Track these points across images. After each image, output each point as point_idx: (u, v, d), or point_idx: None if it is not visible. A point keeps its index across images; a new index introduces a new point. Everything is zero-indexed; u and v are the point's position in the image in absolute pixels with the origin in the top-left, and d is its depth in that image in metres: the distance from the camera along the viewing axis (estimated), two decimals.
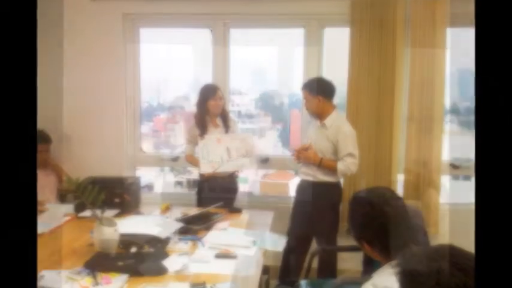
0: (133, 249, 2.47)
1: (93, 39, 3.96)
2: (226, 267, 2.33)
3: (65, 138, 4.04)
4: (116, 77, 4.07)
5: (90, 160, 4.04)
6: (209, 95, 3.62)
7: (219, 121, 3.69)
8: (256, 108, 5.13)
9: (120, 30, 4.03)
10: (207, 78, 4.09)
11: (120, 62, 4.07)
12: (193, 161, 3.69)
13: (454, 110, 4.65)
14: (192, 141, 3.67)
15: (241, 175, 3.99)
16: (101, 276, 2.10)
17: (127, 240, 2.51)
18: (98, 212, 2.42)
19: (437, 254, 0.97)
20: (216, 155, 3.49)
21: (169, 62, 4.60)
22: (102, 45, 4.01)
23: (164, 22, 4.15)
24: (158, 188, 6.34)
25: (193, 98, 5.71)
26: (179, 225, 2.81)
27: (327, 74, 4.15)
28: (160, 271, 2.22)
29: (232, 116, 3.83)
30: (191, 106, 5.40)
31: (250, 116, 5.21)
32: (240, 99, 4.97)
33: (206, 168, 3.49)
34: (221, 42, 4.07)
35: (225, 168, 3.52)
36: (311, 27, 3.99)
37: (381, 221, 1.44)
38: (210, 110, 3.63)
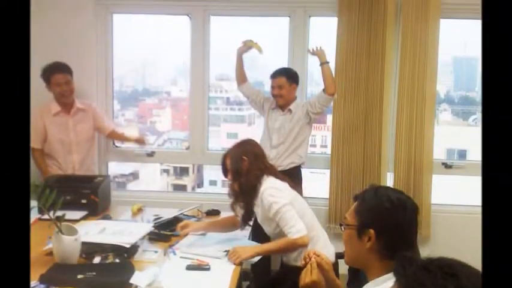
0: (97, 260, 2.27)
1: (63, 23, 3.68)
2: (198, 281, 2.16)
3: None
4: (86, 65, 3.78)
5: None
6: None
7: None
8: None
9: (92, 16, 3.74)
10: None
11: (92, 49, 3.78)
12: None
13: (448, 100, 4.43)
14: None
15: None
16: None
17: (90, 250, 2.30)
18: (57, 218, 2.18)
19: (441, 270, 0.89)
20: None
21: (149, 47, 4.34)
22: (72, 30, 3.72)
23: (138, 8, 3.87)
24: (143, 177, 6.02)
25: (181, 83, 5.30)
26: (149, 231, 2.57)
27: (313, 65, 3.90)
28: (124, 286, 2.00)
29: None
30: (178, 91, 4.99)
31: (239, 103, 4.93)
32: (229, 85, 4.70)
33: None
34: (200, 29, 3.80)
35: None
36: (297, 16, 3.74)
37: (403, 214, 1.40)
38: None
